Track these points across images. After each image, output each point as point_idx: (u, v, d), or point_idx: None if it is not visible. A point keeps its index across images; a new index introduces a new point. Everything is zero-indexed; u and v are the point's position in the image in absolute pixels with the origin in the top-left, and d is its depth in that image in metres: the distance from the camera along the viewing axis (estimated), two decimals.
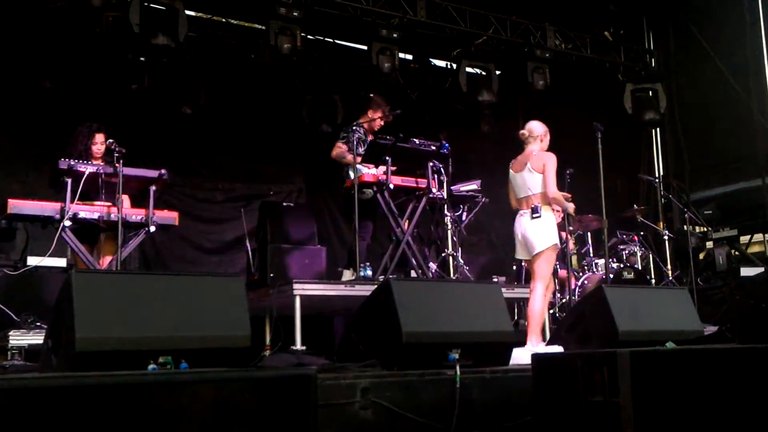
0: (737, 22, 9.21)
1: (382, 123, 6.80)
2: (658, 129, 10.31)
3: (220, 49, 9.01)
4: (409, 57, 10.66)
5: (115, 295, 3.08)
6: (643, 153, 10.38)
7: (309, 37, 9.31)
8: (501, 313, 3.93)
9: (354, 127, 6.69)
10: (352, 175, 6.23)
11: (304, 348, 5.09)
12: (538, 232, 5.38)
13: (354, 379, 3.21)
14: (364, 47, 8.65)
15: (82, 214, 5.24)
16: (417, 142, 6.51)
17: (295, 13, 7.64)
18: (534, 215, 5.43)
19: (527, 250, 5.48)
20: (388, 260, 6.27)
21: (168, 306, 3.14)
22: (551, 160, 5.52)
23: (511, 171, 5.78)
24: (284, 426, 2.50)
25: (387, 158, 6.19)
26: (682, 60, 10.04)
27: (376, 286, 4.03)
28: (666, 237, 8.51)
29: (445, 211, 6.86)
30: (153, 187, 5.54)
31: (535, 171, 5.52)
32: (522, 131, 5.76)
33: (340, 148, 6.60)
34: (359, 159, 6.32)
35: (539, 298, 5.26)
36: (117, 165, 5.25)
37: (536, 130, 5.71)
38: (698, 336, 4.56)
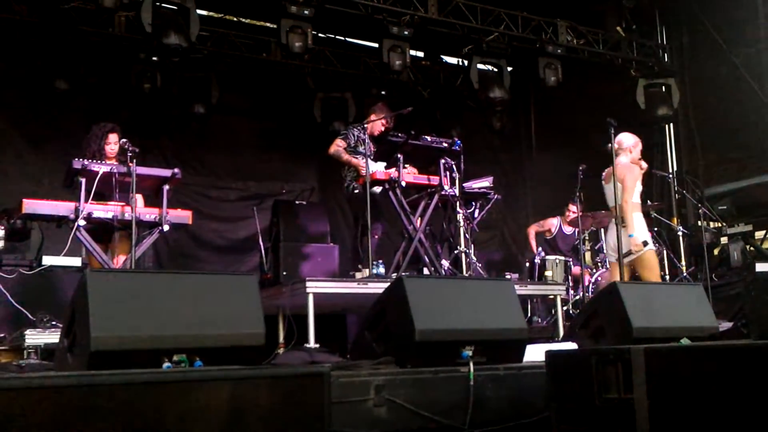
0: (750, 15, 9.13)
1: (383, 128, 6.80)
2: (671, 124, 10.24)
3: (231, 48, 9.04)
4: (421, 54, 10.67)
5: (129, 294, 3.09)
6: (657, 148, 10.32)
7: (320, 35, 9.34)
8: (514, 309, 3.91)
9: (356, 128, 6.74)
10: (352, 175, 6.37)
11: (317, 346, 5.10)
12: (627, 239, 5.74)
13: (368, 377, 3.21)
14: (375, 45, 8.65)
15: (96, 214, 5.27)
16: (429, 140, 6.51)
17: (306, 12, 7.65)
18: (623, 224, 5.77)
19: (616, 255, 5.81)
20: (400, 257, 6.26)
21: (182, 304, 3.16)
22: (631, 171, 5.86)
23: (602, 182, 6.13)
24: (298, 423, 2.51)
25: (399, 155, 6.18)
26: (695, 55, 9.96)
27: (389, 284, 4.03)
28: (680, 233, 8.45)
29: (458, 208, 6.85)
30: (166, 186, 5.56)
31: (619, 182, 5.81)
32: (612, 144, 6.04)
33: (337, 146, 6.64)
34: (360, 158, 6.36)
35: None
36: (130, 164, 5.27)
37: (625, 141, 6.03)
38: (713, 332, 4.53)
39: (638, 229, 5.71)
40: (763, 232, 9.27)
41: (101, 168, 5.31)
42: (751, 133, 9.20)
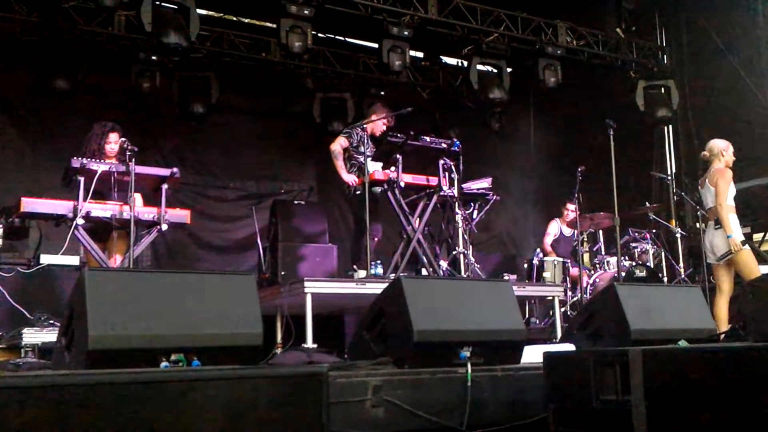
0: (749, 16, 9.14)
1: (384, 128, 6.82)
2: (670, 126, 10.25)
3: (231, 48, 9.04)
4: (420, 55, 10.67)
5: (127, 293, 3.09)
6: (656, 150, 10.33)
7: (320, 35, 9.34)
8: (512, 310, 3.90)
9: (358, 127, 6.76)
10: (351, 178, 6.37)
11: (315, 346, 5.10)
12: (722, 241, 6.11)
13: (365, 377, 3.21)
14: (375, 45, 8.65)
15: (94, 213, 5.27)
16: (428, 140, 6.51)
17: (306, 11, 7.65)
18: (716, 226, 6.19)
19: (715, 256, 6.23)
20: (399, 258, 6.26)
21: (180, 304, 3.15)
22: (723, 175, 6.22)
23: (699, 188, 6.61)
24: (296, 423, 2.51)
25: (397, 156, 6.18)
26: (695, 56, 9.97)
27: (387, 284, 4.02)
28: (678, 235, 8.46)
29: (456, 209, 6.84)
30: (165, 186, 5.56)
31: (712, 186, 6.24)
32: (704, 152, 6.54)
33: (339, 145, 6.65)
34: (361, 158, 6.36)
35: (722, 303, 6.13)
36: (129, 163, 5.27)
37: (715, 147, 6.45)
38: (711, 334, 4.54)
39: (735, 230, 6.09)
40: (762, 234, 9.27)
41: (100, 167, 5.31)
42: (750, 135, 9.20)
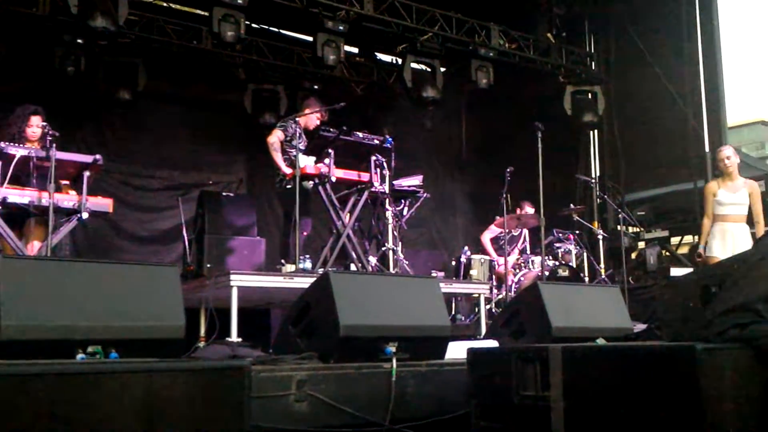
0: (676, 28, 9.48)
1: (317, 122, 6.80)
2: (596, 131, 10.53)
3: (161, 35, 8.83)
4: (355, 50, 10.66)
5: (43, 282, 2.99)
6: (581, 154, 10.60)
7: (254, 25, 9.21)
8: (438, 307, 3.95)
9: (291, 120, 6.71)
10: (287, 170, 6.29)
11: (240, 340, 5.04)
12: None
13: (290, 372, 3.19)
14: (310, 38, 8.59)
15: (11, 199, 5.06)
16: (360, 136, 6.51)
17: (239, 1, 7.53)
18: None
19: None
20: (327, 253, 6.25)
21: (99, 294, 3.06)
22: None
23: None
24: (216, 418, 2.47)
25: (330, 151, 6.16)
26: (622, 64, 10.27)
27: (315, 279, 4.01)
28: (600, 236, 8.71)
29: (387, 206, 6.87)
30: (87, 173, 5.38)
31: None
32: None
33: (276, 137, 6.59)
34: (293, 152, 6.33)
35: None
36: (50, 149, 5.08)
37: None
38: (628, 333, 4.68)
39: None
40: (679, 237, 9.66)
41: (18, 151, 5.10)
42: (672, 142, 9.56)
